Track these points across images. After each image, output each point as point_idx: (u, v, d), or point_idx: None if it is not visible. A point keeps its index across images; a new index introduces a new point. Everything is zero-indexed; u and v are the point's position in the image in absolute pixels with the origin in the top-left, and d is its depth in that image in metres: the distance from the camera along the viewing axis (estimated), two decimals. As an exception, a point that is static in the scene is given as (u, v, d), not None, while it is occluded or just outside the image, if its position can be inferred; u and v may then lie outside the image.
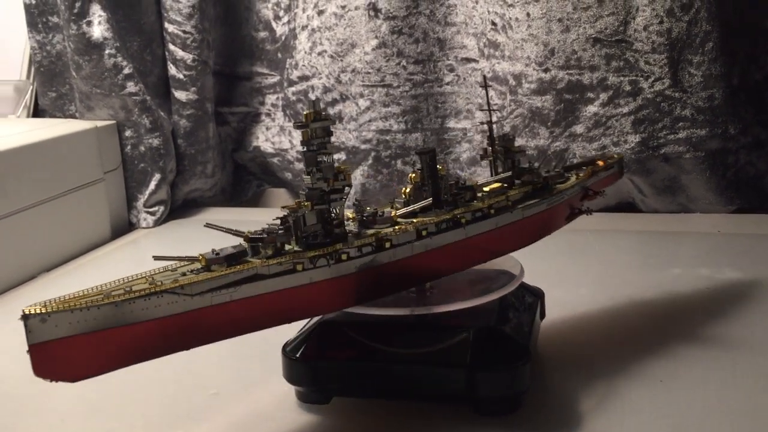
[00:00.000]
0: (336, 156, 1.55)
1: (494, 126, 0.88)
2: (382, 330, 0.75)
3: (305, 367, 0.75)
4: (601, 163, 0.95)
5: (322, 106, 0.80)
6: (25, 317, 0.56)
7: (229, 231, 0.69)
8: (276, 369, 0.77)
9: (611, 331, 0.92)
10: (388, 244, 0.70)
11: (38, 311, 0.57)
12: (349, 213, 0.75)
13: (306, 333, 0.77)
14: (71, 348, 0.58)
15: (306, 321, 0.79)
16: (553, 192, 0.85)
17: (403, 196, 0.78)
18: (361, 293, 0.71)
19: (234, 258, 0.65)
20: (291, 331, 0.79)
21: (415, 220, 0.74)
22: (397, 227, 0.73)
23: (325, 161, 0.69)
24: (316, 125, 0.69)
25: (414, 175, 0.78)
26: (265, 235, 0.67)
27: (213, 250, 0.66)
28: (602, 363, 0.83)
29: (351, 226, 0.73)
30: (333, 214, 0.69)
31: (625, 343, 0.88)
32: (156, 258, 0.67)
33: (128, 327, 0.60)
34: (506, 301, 0.79)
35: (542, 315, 0.88)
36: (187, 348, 0.65)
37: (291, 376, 0.76)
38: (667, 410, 0.73)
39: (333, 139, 0.71)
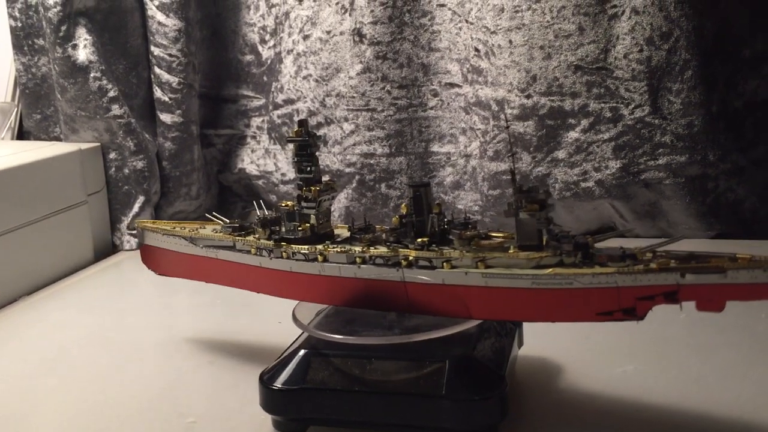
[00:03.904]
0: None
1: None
2: (360, 358, 0.75)
3: (282, 396, 0.75)
4: (743, 258, 0.62)
5: (290, 134, 0.85)
6: (139, 227, 0.99)
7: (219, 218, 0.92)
8: (253, 397, 0.77)
9: (589, 360, 0.93)
10: (321, 258, 0.78)
11: (143, 226, 0.97)
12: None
13: (282, 361, 0.77)
14: (157, 251, 0.96)
15: (283, 350, 0.79)
16: (576, 268, 0.66)
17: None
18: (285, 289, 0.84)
19: (241, 229, 0.87)
20: (267, 358, 0.79)
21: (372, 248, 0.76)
22: (349, 247, 0.77)
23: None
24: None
25: (404, 207, 0.78)
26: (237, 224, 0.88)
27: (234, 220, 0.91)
28: (580, 392, 0.83)
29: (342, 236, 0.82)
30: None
31: (604, 370, 0.89)
32: (209, 215, 0.95)
33: (176, 253, 0.93)
34: (484, 328, 0.79)
35: (520, 343, 0.88)
36: (206, 281, 0.92)
37: (267, 404, 0.76)
38: (641, 440, 0.74)
39: (295, 171, 0.84)
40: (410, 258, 0.73)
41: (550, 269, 0.67)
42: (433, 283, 0.72)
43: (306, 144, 0.83)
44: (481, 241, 0.71)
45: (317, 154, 0.85)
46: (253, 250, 0.84)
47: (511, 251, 0.69)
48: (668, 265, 0.63)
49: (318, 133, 0.86)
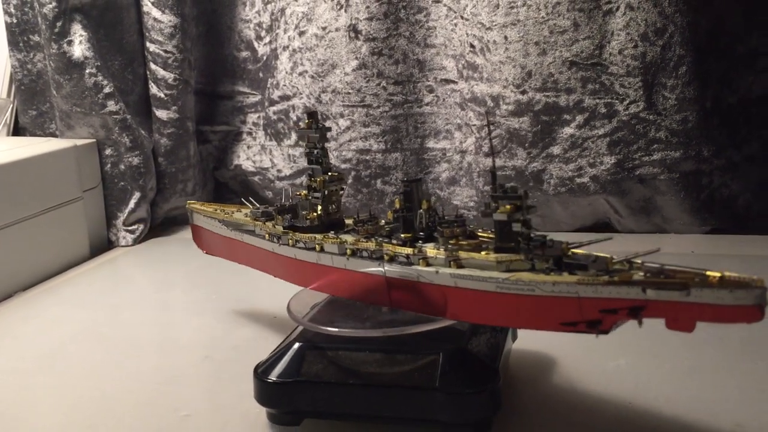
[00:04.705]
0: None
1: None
2: (354, 351, 0.75)
3: (276, 389, 0.75)
4: (713, 276, 0.56)
5: (302, 126, 0.86)
6: (188, 208, 1.06)
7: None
8: (248, 391, 0.77)
9: (583, 354, 0.93)
10: (318, 248, 0.81)
11: (191, 207, 1.06)
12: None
13: (277, 355, 0.77)
14: (202, 231, 1.04)
15: (278, 343, 0.80)
16: (544, 275, 0.63)
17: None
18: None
19: (265, 215, 0.91)
20: (263, 352, 0.79)
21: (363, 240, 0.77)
22: (344, 238, 0.79)
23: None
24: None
25: (398, 201, 0.78)
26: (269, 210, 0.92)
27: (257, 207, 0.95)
28: (573, 385, 0.84)
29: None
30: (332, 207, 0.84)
31: (597, 364, 0.89)
32: (244, 200, 1.00)
33: (214, 233, 1.00)
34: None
35: (514, 337, 0.89)
36: (236, 262, 0.99)
37: (262, 397, 0.76)
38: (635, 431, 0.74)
39: (306, 162, 0.86)
40: (391, 253, 0.73)
41: (514, 274, 0.64)
42: (408, 279, 0.72)
43: (315, 135, 0.86)
44: (462, 240, 0.70)
45: (326, 145, 0.87)
46: (267, 236, 0.89)
47: (483, 253, 0.67)
48: (631, 278, 0.58)
49: (326, 125, 0.88)
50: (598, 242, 0.66)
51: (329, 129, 0.89)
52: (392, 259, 0.73)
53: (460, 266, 0.69)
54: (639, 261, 0.61)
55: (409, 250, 0.72)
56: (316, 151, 0.86)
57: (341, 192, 0.87)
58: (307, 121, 0.87)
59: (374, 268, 0.75)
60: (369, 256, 0.76)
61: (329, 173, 0.86)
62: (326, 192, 0.84)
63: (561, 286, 0.61)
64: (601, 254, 0.63)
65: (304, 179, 1.59)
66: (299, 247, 0.83)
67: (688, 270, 0.57)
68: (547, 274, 0.63)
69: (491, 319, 0.69)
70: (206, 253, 1.06)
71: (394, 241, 0.75)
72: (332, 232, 0.82)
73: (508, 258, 0.66)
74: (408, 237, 0.74)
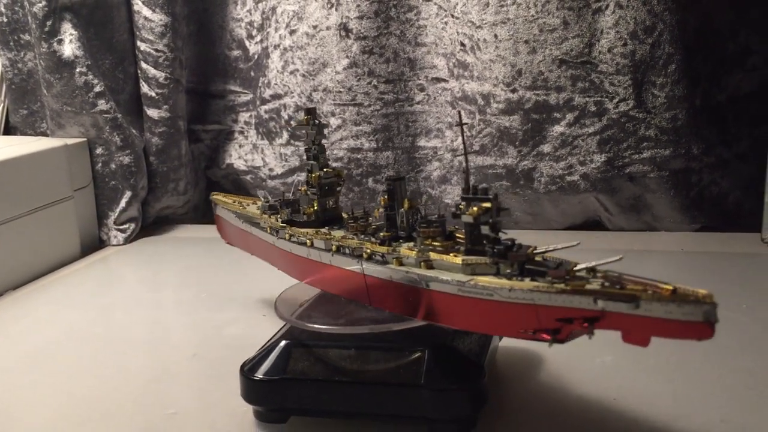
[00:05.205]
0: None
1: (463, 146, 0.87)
2: (340, 348, 0.76)
3: (262, 386, 0.75)
4: (666, 289, 0.54)
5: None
6: (212, 199, 1.10)
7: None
8: (235, 389, 0.77)
9: (569, 350, 0.93)
10: (309, 243, 0.82)
11: (215, 198, 1.09)
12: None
13: (264, 352, 0.77)
14: (222, 222, 1.08)
15: (265, 341, 0.80)
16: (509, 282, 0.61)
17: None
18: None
19: (270, 209, 0.92)
20: (250, 350, 0.79)
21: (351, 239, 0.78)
22: (332, 234, 0.80)
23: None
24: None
25: (383, 200, 0.78)
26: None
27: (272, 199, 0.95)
28: (559, 382, 0.84)
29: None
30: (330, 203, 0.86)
31: (583, 362, 0.89)
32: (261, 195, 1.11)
33: (231, 224, 1.04)
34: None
35: (501, 333, 0.89)
36: (249, 253, 1.01)
37: (249, 395, 0.77)
38: (620, 428, 0.74)
39: (305, 158, 0.88)
40: (369, 252, 0.73)
41: (474, 278, 0.63)
42: (383, 278, 0.71)
43: (313, 131, 0.88)
44: (438, 240, 0.69)
45: (322, 142, 0.88)
46: (268, 230, 0.91)
47: (452, 255, 0.66)
48: (583, 288, 0.56)
49: (324, 122, 0.89)
50: (566, 248, 0.63)
51: (327, 125, 0.90)
52: (369, 257, 0.74)
53: (430, 267, 0.68)
54: (602, 269, 0.59)
55: (384, 249, 0.72)
56: (313, 147, 0.88)
57: (338, 188, 0.87)
58: (305, 117, 0.88)
59: (354, 266, 0.76)
60: (350, 254, 0.76)
61: (325, 169, 0.87)
62: (324, 188, 0.85)
63: (517, 293, 0.60)
64: (572, 261, 0.61)
65: (295, 177, 1.59)
66: (293, 242, 0.85)
67: (645, 281, 0.55)
68: (509, 279, 0.61)
69: (456, 323, 0.67)
70: (227, 243, 1.10)
71: (373, 240, 0.75)
72: (326, 227, 0.83)
73: (474, 261, 0.64)
74: (386, 236, 0.74)
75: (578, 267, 0.59)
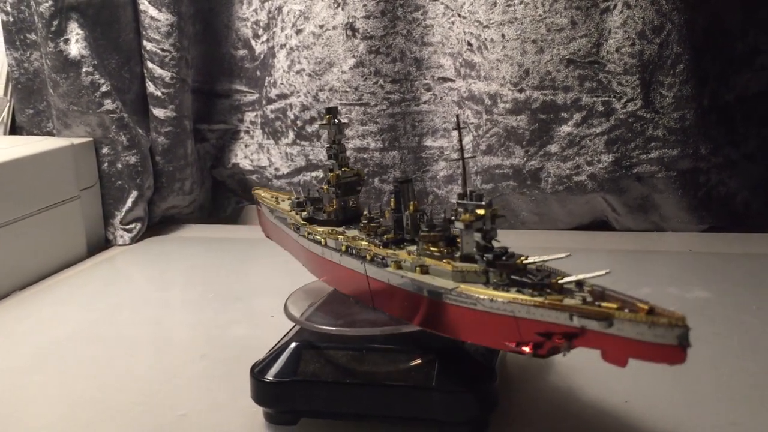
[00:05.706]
0: (314, 173, 1.56)
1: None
2: (350, 350, 0.75)
3: (273, 388, 0.75)
4: (641, 309, 0.52)
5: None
6: (255, 194, 1.08)
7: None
8: (245, 390, 0.77)
9: (580, 351, 0.93)
10: (323, 241, 0.81)
11: (256, 193, 1.07)
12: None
13: (274, 354, 0.77)
14: (261, 217, 1.06)
15: (274, 342, 0.80)
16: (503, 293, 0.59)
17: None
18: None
19: (298, 205, 0.92)
20: (258, 351, 0.79)
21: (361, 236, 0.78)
22: (344, 233, 0.80)
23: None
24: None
25: (392, 202, 0.78)
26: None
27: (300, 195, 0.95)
28: (570, 384, 0.84)
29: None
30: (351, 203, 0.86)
31: (594, 363, 0.89)
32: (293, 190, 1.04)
33: (267, 219, 1.02)
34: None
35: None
36: (283, 248, 0.99)
37: (259, 397, 0.76)
38: (632, 431, 0.74)
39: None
40: (372, 254, 0.73)
41: (460, 286, 0.62)
42: (383, 281, 0.71)
43: (333, 130, 0.88)
44: (439, 245, 0.68)
45: (342, 141, 0.88)
46: (291, 226, 0.91)
47: (445, 261, 0.65)
48: (561, 302, 0.54)
49: (344, 121, 0.89)
50: (558, 259, 0.61)
51: (347, 125, 0.90)
52: (372, 259, 0.74)
53: (425, 272, 0.67)
54: (590, 282, 0.56)
55: (384, 252, 0.72)
56: (333, 146, 0.88)
57: (359, 188, 0.87)
58: (326, 116, 0.89)
59: (358, 268, 0.75)
60: (356, 255, 0.76)
61: (344, 168, 0.87)
62: (343, 187, 0.86)
63: (498, 304, 0.58)
64: (561, 272, 0.59)
65: (301, 177, 1.59)
66: (311, 239, 0.85)
67: (627, 299, 0.53)
68: (496, 289, 0.60)
69: (448, 331, 0.65)
70: (267, 237, 1.09)
71: (377, 242, 0.75)
72: (344, 227, 0.83)
73: (464, 268, 0.63)
74: (390, 238, 0.74)
75: (566, 280, 0.57)
